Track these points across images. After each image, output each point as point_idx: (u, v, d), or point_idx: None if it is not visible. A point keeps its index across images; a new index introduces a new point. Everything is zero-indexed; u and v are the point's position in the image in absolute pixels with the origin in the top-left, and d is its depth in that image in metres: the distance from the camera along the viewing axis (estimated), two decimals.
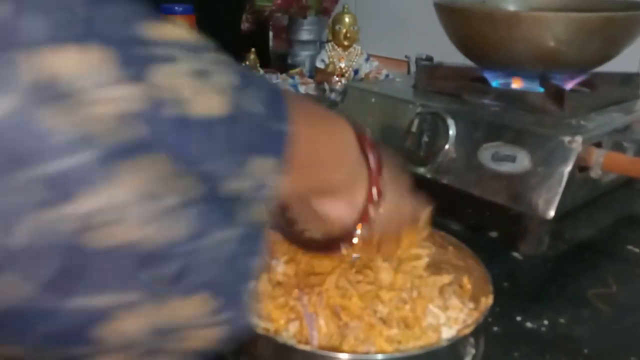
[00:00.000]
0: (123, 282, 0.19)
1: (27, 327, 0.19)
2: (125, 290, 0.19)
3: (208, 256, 0.21)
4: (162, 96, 0.19)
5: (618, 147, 0.58)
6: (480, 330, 0.39)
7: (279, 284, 0.40)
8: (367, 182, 0.34)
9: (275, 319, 0.37)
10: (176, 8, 1.10)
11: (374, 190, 0.34)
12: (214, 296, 0.22)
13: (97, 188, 0.18)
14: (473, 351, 0.38)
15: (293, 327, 0.37)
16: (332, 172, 0.32)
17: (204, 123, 0.20)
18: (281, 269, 0.41)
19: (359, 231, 0.35)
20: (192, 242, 0.20)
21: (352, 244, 0.35)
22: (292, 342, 0.35)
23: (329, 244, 0.37)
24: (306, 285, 0.39)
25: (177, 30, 0.21)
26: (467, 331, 0.36)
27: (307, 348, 0.34)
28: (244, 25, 1.22)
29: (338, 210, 0.35)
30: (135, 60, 0.19)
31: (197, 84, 0.20)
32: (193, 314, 0.22)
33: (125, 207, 0.18)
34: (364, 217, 0.34)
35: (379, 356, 0.34)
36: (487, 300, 0.39)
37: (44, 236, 0.17)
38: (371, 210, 0.34)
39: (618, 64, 0.68)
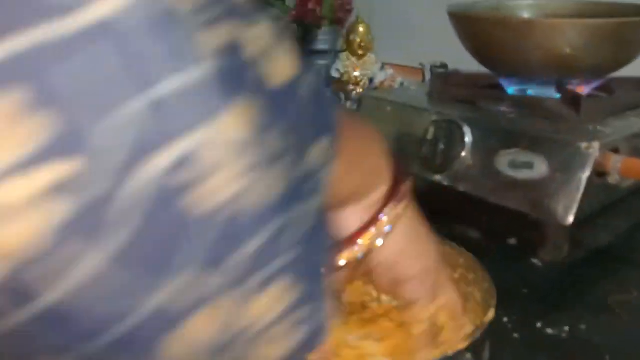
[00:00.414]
0: (209, 262, 0.15)
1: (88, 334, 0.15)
2: (209, 274, 0.16)
3: (294, 229, 0.18)
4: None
5: (637, 152, 0.58)
6: (481, 344, 0.38)
7: None
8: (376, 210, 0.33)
9: None
10: None
11: (383, 216, 0.32)
12: (295, 282, 0.18)
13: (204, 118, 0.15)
14: None
15: None
16: (355, 181, 0.31)
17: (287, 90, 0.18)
18: None
19: (342, 261, 0.32)
20: (284, 208, 0.17)
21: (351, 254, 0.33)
22: None
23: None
24: None
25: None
26: (462, 346, 0.36)
27: None
28: None
29: (345, 221, 0.33)
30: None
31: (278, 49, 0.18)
32: (273, 309, 0.18)
33: (228, 144, 0.15)
34: (351, 240, 0.32)
35: None
36: (488, 315, 0.39)
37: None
38: (366, 237, 0.32)
39: (635, 69, 0.68)
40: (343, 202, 0.33)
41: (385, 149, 0.34)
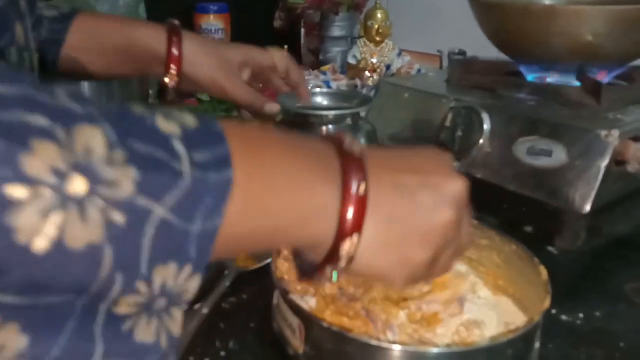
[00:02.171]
0: None
1: None
2: None
3: None
4: None
5: None
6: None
7: (333, 298, 0.41)
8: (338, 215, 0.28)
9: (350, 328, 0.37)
10: (211, 7, 1.12)
11: (347, 224, 0.27)
12: None
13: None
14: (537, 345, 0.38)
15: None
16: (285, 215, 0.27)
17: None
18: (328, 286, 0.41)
19: (329, 269, 0.29)
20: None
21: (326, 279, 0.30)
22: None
23: (310, 273, 0.31)
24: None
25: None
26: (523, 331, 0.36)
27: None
28: (277, 23, 1.24)
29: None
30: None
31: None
32: None
33: None
34: (332, 257, 0.28)
35: (435, 350, 0.34)
36: (545, 304, 0.39)
37: None
38: (344, 247, 0.28)
39: None
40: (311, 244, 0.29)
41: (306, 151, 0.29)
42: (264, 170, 0.26)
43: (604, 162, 0.52)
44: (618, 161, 0.53)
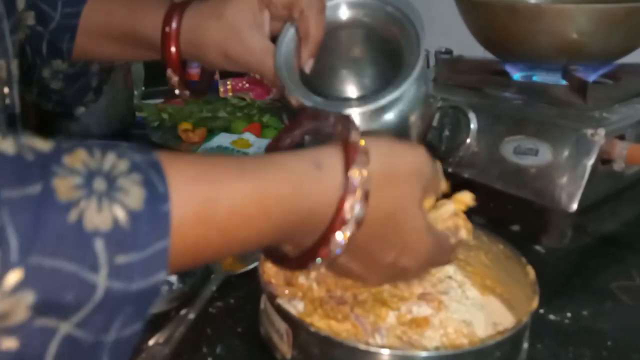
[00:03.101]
0: None
1: None
2: None
3: None
4: None
5: None
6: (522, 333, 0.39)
7: (320, 301, 0.41)
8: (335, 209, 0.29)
9: (338, 331, 0.37)
10: None
11: (343, 217, 0.28)
12: None
13: None
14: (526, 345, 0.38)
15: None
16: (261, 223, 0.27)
17: None
18: (315, 287, 0.41)
19: (318, 260, 0.30)
20: None
21: (312, 268, 0.31)
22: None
23: (297, 262, 0.32)
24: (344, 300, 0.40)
25: None
26: (510, 333, 0.36)
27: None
28: None
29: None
30: None
31: None
32: None
33: None
34: (322, 250, 0.29)
35: (423, 353, 0.34)
36: (532, 304, 0.39)
37: None
38: (334, 239, 0.29)
39: None
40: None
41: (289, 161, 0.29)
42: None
43: (590, 161, 0.52)
44: (604, 160, 0.53)
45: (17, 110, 0.34)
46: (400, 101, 0.43)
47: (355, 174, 0.28)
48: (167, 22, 0.46)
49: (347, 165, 0.29)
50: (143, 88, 0.94)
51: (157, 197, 0.22)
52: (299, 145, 0.34)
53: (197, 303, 0.42)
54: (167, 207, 0.22)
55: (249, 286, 0.46)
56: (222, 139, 0.76)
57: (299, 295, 0.40)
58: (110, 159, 0.22)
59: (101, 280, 0.21)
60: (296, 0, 0.44)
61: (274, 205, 0.27)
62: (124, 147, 0.23)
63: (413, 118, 0.45)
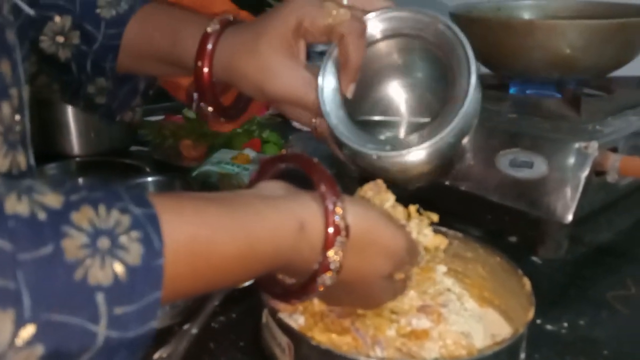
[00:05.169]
0: None
1: None
2: None
3: None
4: None
5: (636, 150, 0.58)
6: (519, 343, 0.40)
7: (321, 315, 0.42)
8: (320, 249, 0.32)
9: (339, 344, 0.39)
10: None
11: (328, 259, 0.32)
12: None
13: None
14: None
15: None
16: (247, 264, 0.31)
17: None
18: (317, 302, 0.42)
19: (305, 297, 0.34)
20: None
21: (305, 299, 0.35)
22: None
23: (288, 295, 0.35)
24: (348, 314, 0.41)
25: None
26: (507, 343, 0.37)
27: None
28: None
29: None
30: None
31: None
32: None
33: None
34: (310, 288, 0.33)
35: None
36: (529, 315, 0.40)
37: None
38: (320, 280, 0.33)
39: (635, 67, 0.69)
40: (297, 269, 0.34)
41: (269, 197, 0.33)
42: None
43: (584, 173, 0.53)
44: (598, 172, 0.54)
45: (28, 135, 0.36)
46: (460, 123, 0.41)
47: (332, 256, 0.32)
48: (199, 57, 0.45)
49: (326, 244, 0.32)
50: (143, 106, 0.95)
51: (153, 253, 0.25)
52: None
53: (200, 318, 0.43)
54: (161, 262, 0.25)
55: (250, 301, 0.46)
56: (223, 155, 0.77)
57: (300, 310, 0.41)
58: (114, 216, 0.25)
59: (101, 329, 0.23)
60: (336, 26, 0.42)
61: (255, 263, 0.31)
62: (125, 196, 0.26)
63: (468, 137, 0.44)
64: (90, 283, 0.23)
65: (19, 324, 0.21)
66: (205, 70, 0.44)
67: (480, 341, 0.42)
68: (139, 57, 0.49)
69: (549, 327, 0.46)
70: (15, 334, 0.21)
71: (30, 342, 0.22)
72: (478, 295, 0.48)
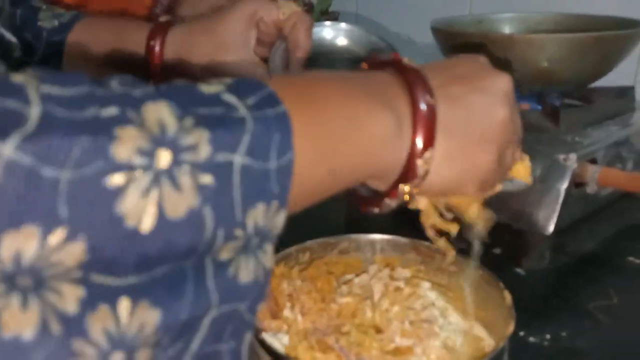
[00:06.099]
0: None
1: None
2: None
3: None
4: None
5: (617, 159, 0.59)
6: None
7: (305, 333, 0.42)
8: (410, 133, 0.30)
9: None
10: None
11: (418, 141, 0.30)
12: None
13: None
14: None
15: None
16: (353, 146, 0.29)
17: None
18: (300, 319, 0.43)
19: (406, 188, 0.31)
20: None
21: (399, 200, 0.32)
22: None
23: (374, 200, 0.33)
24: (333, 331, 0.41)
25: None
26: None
27: None
28: None
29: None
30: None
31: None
32: None
33: None
34: (409, 173, 0.31)
35: None
36: (509, 328, 0.40)
37: None
38: (419, 164, 0.30)
39: (614, 78, 0.70)
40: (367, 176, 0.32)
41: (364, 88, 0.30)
42: (315, 104, 0.27)
43: (564, 185, 0.54)
44: (577, 183, 0.55)
45: None
46: None
47: (420, 164, 0.31)
48: (151, 37, 0.50)
49: (415, 151, 0.30)
50: None
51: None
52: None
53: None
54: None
55: None
56: None
57: (285, 329, 0.41)
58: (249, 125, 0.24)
59: (244, 113, 0.24)
60: (288, 18, 0.50)
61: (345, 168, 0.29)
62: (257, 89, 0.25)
63: None
64: (207, 92, 0.24)
65: (174, 112, 0.22)
66: (157, 48, 0.49)
67: (465, 356, 0.43)
68: (83, 61, 0.51)
69: (531, 339, 0.47)
70: (175, 117, 0.22)
71: (193, 128, 0.22)
72: (462, 309, 0.48)
